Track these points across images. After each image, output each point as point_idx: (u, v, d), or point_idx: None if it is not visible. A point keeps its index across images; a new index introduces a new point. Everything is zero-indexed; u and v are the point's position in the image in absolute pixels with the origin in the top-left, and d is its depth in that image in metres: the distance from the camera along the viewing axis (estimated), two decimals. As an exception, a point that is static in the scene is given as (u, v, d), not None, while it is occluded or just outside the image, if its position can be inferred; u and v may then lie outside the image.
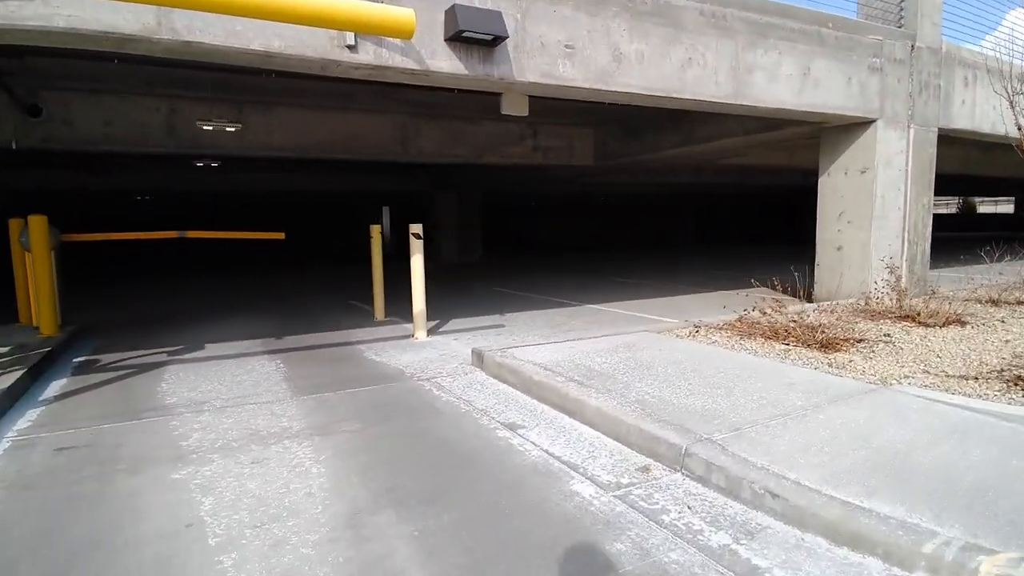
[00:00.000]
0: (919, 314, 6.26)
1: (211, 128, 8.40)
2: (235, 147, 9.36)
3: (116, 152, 9.10)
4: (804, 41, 6.91)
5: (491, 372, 5.07)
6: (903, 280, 8.20)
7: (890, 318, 6.45)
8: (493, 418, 3.99)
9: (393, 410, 4.20)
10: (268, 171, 15.22)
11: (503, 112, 6.18)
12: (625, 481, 3.01)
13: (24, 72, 7.30)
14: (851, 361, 4.72)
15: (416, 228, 6.87)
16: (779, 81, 6.77)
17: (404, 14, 4.10)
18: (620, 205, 26.33)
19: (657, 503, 2.77)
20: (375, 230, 8.21)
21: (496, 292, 10.77)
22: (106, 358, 6.01)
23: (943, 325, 6.08)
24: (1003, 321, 6.29)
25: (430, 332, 7.06)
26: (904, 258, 8.19)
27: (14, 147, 8.00)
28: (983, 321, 6.30)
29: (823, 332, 5.49)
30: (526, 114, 6.26)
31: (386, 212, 25.54)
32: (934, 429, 3.28)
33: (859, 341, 5.36)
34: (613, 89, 5.73)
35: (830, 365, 4.63)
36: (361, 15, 3.97)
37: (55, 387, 4.92)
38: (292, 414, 4.13)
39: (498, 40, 4.95)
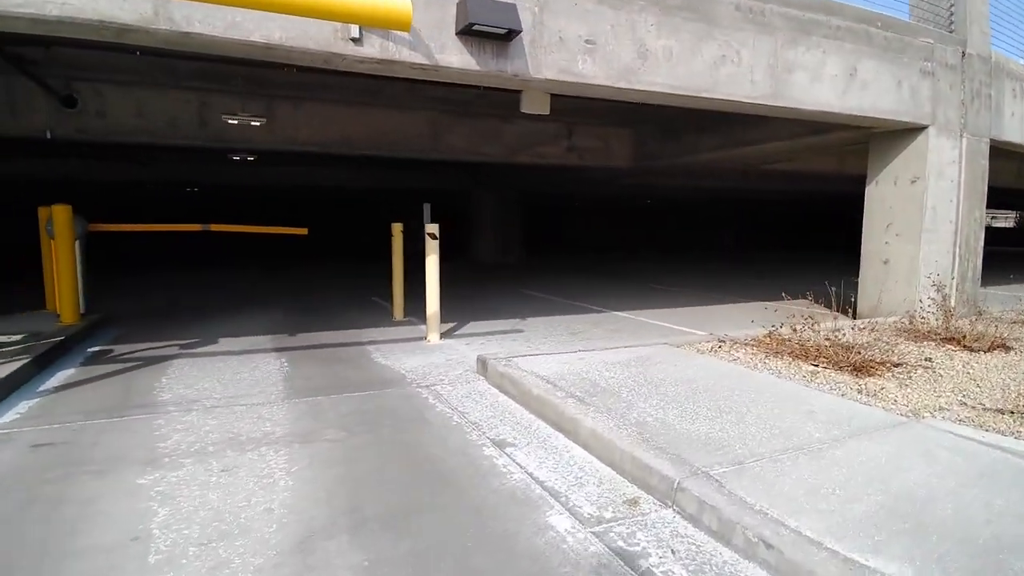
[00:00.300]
0: (964, 337, 5.73)
1: (236, 122, 8.43)
2: (263, 141, 9.39)
3: (148, 144, 9.24)
4: (851, 39, 6.44)
5: (493, 382, 4.84)
6: (951, 298, 7.60)
7: (934, 340, 5.94)
8: (484, 433, 3.76)
9: (383, 418, 4.02)
10: (298, 165, 15.34)
11: (522, 110, 5.94)
12: (608, 515, 2.74)
13: (53, 62, 7.44)
14: (883, 388, 4.30)
15: (432, 228, 6.69)
16: (822, 81, 6.32)
17: (401, 4, 3.91)
18: (663, 208, 25.72)
19: (638, 544, 2.49)
20: (396, 228, 8.08)
21: (524, 295, 10.54)
22: (120, 349, 6.04)
23: (988, 350, 5.54)
24: (1062, 349, 5.70)
25: (445, 335, 6.88)
26: (954, 275, 7.58)
27: (48, 136, 8.20)
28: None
29: (858, 353, 5.05)
30: (547, 113, 6.00)
31: (427, 209, 25.52)
32: (961, 472, 2.89)
33: (896, 365, 4.91)
34: (637, 88, 5.41)
35: (859, 391, 4.22)
36: (356, 4, 3.80)
37: (59, 378, 4.93)
38: (279, 418, 4.00)
39: (512, 34, 4.72)
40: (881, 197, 7.68)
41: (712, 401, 3.97)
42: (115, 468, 3.19)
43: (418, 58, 4.54)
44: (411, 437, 3.70)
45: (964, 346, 5.69)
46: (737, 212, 26.49)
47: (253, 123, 8.39)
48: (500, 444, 3.58)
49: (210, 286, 11.76)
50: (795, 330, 5.58)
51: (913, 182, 7.31)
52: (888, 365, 4.87)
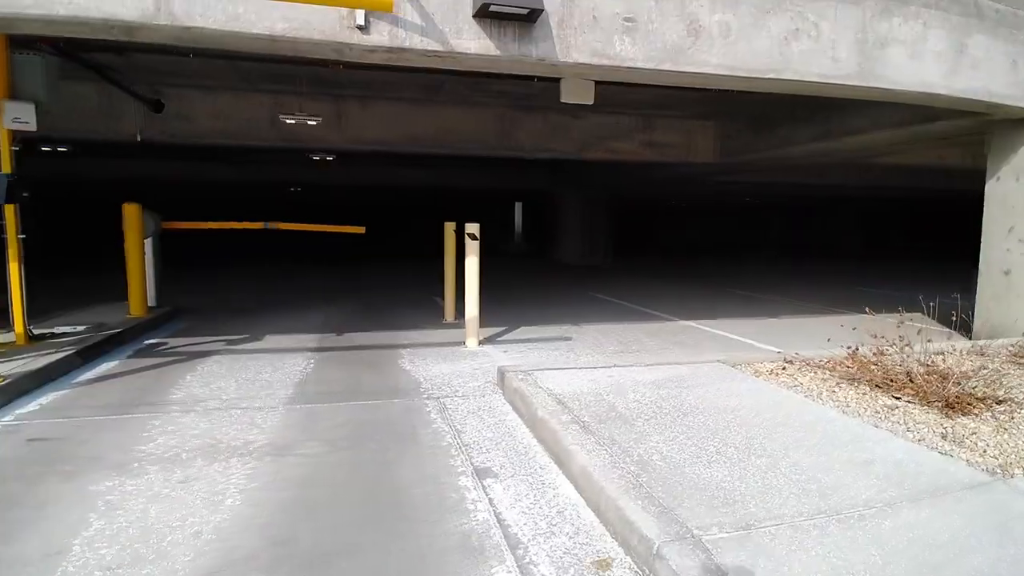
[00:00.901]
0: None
1: (293, 122, 8.57)
2: (332, 141, 9.54)
3: (226, 145, 9.67)
4: (958, 11, 5.36)
5: (508, 397, 4.43)
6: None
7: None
8: (470, 458, 3.37)
9: (372, 433, 3.74)
10: (372, 165, 15.61)
11: (562, 100, 5.48)
12: (565, 581, 2.26)
13: (139, 70, 7.88)
14: (975, 432, 3.41)
15: (472, 228, 6.38)
16: (924, 58, 5.30)
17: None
18: (763, 208, 23.94)
19: (585, 627, 2.00)
20: (448, 228, 7.85)
21: (594, 299, 9.99)
22: (172, 342, 6.25)
23: None
24: None
25: (488, 340, 6.55)
26: (1108, 290, 6.16)
27: (139, 140, 8.76)
28: None
29: (956, 384, 4.12)
30: (591, 103, 5.50)
31: (519, 209, 25.46)
32: (1064, 573, 2.11)
33: (1000, 402, 3.93)
34: (685, 70, 4.77)
35: (943, 436, 3.37)
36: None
37: (99, 370, 5.11)
38: (269, 426, 3.83)
39: (535, 14, 4.27)
40: (1002, 196, 6.39)
41: (745, 438, 3.32)
42: (86, 470, 3.13)
43: (431, 44, 4.21)
44: (391, 457, 3.38)
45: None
46: (851, 212, 24.04)
47: (309, 122, 8.51)
48: (481, 473, 3.17)
49: (286, 282, 12.21)
50: (881, 351, 4.68)
51: (1050, 177, 6.01)
52: (989, 401, 3.91)
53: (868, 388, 4.32)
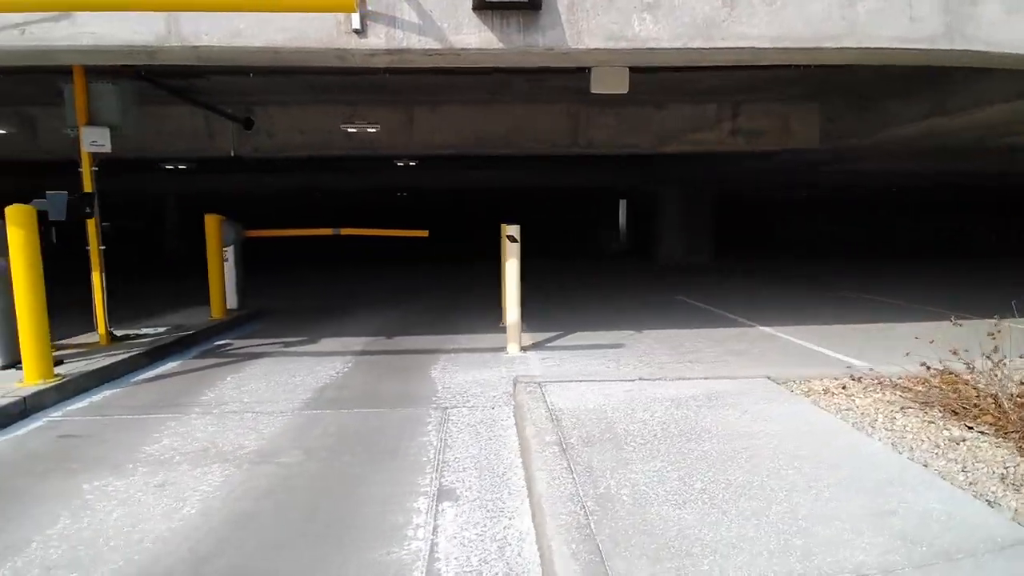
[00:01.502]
0: None
1: (355, 130, 8.82)
2: (403, 146, 9.74)
3: (307, 157, 10.21)
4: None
5: (516, 409, 4.17)
6: None
7: None
8: (439, 477, 3.18)
9: (357, 445, 3.67)
10: (445, 168, 15.69)
11: (593, 91, 5.13)
12: (459, 632, 2.00)
13: (224, 91, 8.51)
14: (1059, 482, 2.65)
15: (511, 230, 6.18)
16: (1034, 9, 4.30)
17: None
18: (888, 200, 21.23)
19: None
20: (505, 230, 7.68)
21: (671, 302, 9.36)
22: (237, 344, 6.66)
23: None
24: None
25: (535, 346, 6.31)
26: None
27: (232, 155, 9.49)
28: None
29: None
30: (625, 91, 5.10)
31: (623, 207, 24.68)
32: None
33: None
34: (720, 46, 4.21)
35: (1001, 479, 2.65)
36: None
37: (159, 370, 5.54)
38: (269, 431, 3.89)
39: (538, 1, 3.97)
40: None
41: (746, 473, 2.82)
42: (88, 469, 3.34)
43: (430, 43, 4.06)
44: (359, 472, 3.27)
45: None
46: (983, 203, 20.52)
47: (369, 129, 8.70)
48: (443, 496, 2.97)
49: (368, 283, 12.66)
50: (953, 381, 3.85)
51: None
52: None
53: (941, 413, 3.56)
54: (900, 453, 3.04)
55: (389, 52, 4.13)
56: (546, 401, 3.92)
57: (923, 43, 4.29)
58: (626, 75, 5.04)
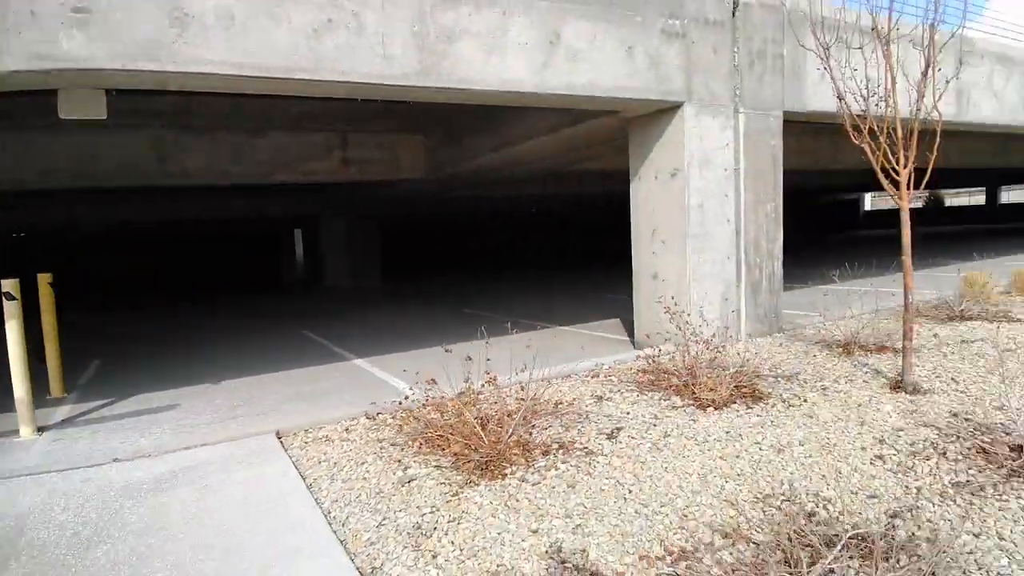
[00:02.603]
0: (697, 384, 4.20)
1: None
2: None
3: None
4: (545, -6, 4.88)
5: None
6: (742, 314, 6.15)
7: (670, 388, 4.39)
8: None
9: None
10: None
11: (61, 116, 4.14)
12: None
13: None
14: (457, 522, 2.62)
15: (7, 285, 4.78)
16: (505, 52, 4.73)
17: None
18: (508, 222, 24.03)
19: None
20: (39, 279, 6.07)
21: (295, 337, 8.63)
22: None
23: (725, 404, 4.01)
24: (824, 390, 4.21)
25: (68, 421, 4.93)
26: (742, 286, 6.13)
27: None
28: (798, 389, 4.24)
29: (500, 428, 3.42)
30: (103, 116, 4.21)
31: (298, 236, 23.51)
32: None
33: (560, 448, 3.25)
34: (170, 69, 3.67)
35: (415, 529, 2.53)
36: None
37: None
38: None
39: None
40: (645, 197, 6.17)
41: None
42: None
43: None
44: None
45: (695, 398, 4.15)
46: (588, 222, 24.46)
47: None
48: None
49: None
50: (426, 409, 3.89)
51: (673, 175, 5.82)
52: (543, 450, 3.24)
53: (417, 448, 3.49)
54: (328, 515, 2.76)
55: None
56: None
57: (399, 80, 4.35)
58: (103, 98, 4.19)
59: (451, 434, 3.55)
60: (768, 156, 6.30)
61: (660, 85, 5.51)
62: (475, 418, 3.70)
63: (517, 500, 2.79)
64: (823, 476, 2.87)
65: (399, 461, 3.39)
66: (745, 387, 4.22)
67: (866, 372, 4.60)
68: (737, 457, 3.14)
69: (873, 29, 3.94)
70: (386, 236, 18.37)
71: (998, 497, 2.57)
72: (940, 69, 3.86)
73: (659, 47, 5.50)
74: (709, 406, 3.99)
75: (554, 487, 2.89)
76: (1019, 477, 2.74)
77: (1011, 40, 9.47)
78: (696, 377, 4.32)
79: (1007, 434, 3.09)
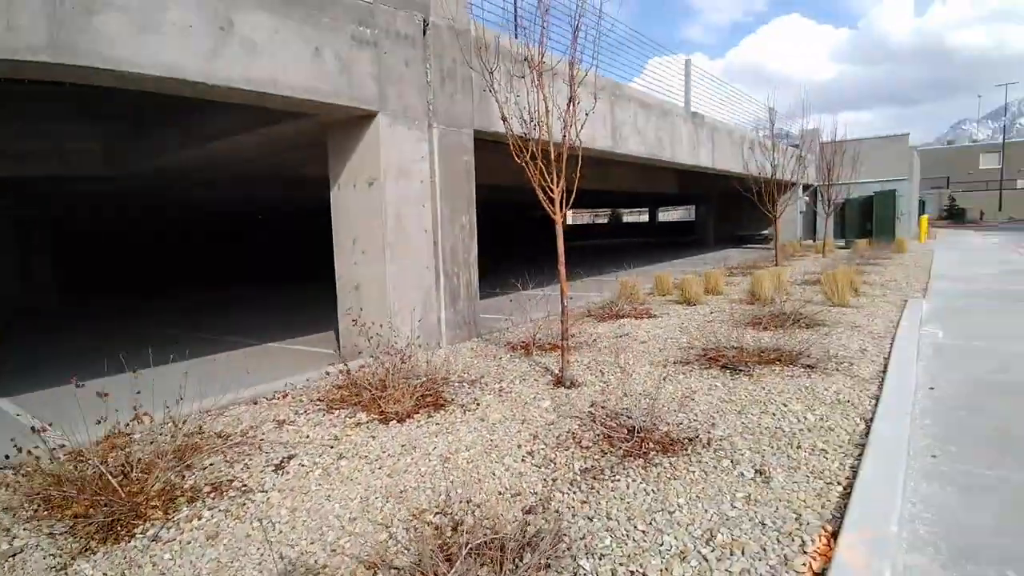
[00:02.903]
0: (384, 397, 4.17)
1: None
2: None
3: None
4: (209, -26, 4.36)
5: None
6: (443, 321, 6.38)
7: (359, 404, 4.28)
8: None
9: None
10: None
11: None
12: None
13: None
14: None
15: None
16: (164, 33, 4.09)
17: None
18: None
19: None
20: None
21: None
22: None
23: (409, 415, 4.05)
24: (500, 392, 4.55)
25: None
26: (441, 295, 6.37)
27: None
28: (478, 393, 4.50)
29: (149, 474, 2.91)
30: None
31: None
32: None
33: (189, 501, 2.85)
34: None
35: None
36: None
37: None
38: None
39: None
40: (345, 206, 6.01)
41: None
42: None
43: None
44: None
45: (381, 412, 4.11)
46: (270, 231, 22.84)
47: None
48: None
49: None
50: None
51: (371, 185, 5.76)
52: (191, 496, 2.80)
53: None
54: None
55: None
56: None
57: (26, 54, 3.46)
58: None
59: (79, 490, 2.90)
60: (463, 171, 6.64)
61: (352, 91, 5.38)
62: (119, 465, 3.13)
63: (139, 567, 2.35)
64: (479, 480, 3.02)
65: (7, 530, 2.67)
66: (430, 396, 4.32)
67: (538, 370, 5.11)
68: (405, 472, 3.15)
69: (525, 59, 4.38)
70: (81, 247, 15.05)
71: (612, 479, 2.99)
72: (580, 103, 4.45)
73: (350, 52, 5.36)
74: (393, 419, 3.98)
75: (190, 542, 2.51)
76: (631, 457, 3.24)
77: (649, 90, 11.67)
78: (386, 389, 4.28)
79: (629, 419, 3.67)
